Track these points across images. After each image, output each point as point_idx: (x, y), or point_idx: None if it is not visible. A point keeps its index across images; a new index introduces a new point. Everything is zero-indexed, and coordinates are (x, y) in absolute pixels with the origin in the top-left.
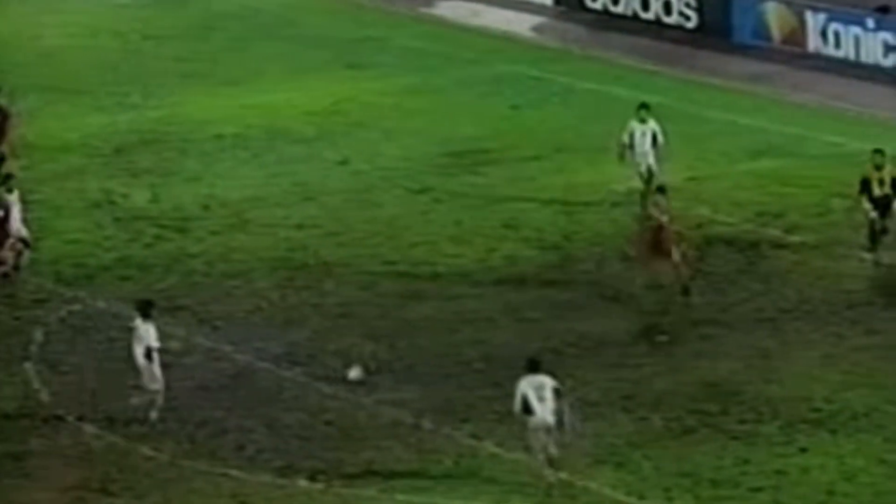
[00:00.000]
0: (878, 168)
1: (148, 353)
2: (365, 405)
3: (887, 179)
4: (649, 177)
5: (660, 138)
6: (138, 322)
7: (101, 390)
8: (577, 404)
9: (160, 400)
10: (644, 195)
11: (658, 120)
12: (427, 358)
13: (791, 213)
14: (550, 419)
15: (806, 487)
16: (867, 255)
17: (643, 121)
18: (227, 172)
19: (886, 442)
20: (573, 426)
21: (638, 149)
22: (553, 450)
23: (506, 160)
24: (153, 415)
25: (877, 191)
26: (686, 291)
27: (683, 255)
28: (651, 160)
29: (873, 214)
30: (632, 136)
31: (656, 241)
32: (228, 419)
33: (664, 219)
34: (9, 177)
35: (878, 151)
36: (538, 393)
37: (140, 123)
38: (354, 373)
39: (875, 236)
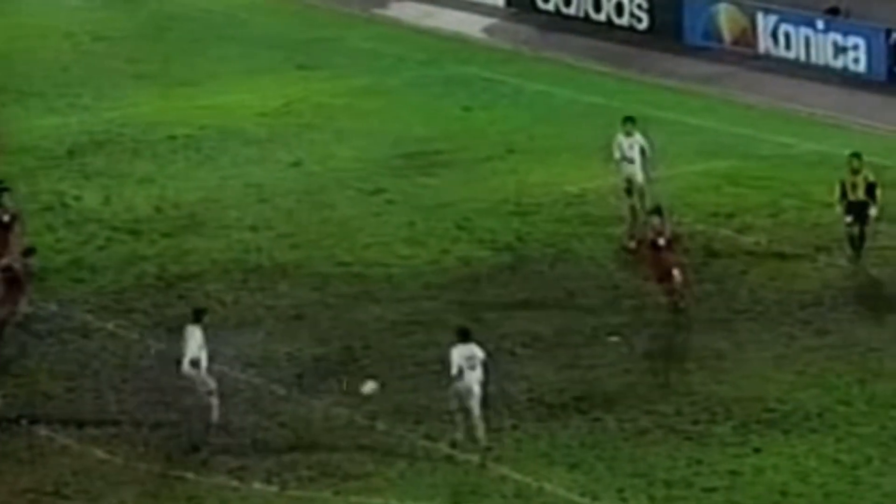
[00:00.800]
0: (855, 172)
1: (194, 362)
2: (319, 407)
3: (861, 184)
4: (640, 193)
5: (647, 151)
6: (189, 329)
7: (54, 393)
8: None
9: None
10: (634, 210)
11: (644, 133)
12: (381, 359)
13: (743, 213)
14: (476, 389)
15: (759, 487)
16: (847, 263)
17: (629, 134)
18: (179, 174)
19: (839, 442)
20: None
21: (625, 163)
22: (477, 421)
23: (458, 161)
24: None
25: (851, 196)
26: (677, 310)
27: (684, 279)
28: (640, 174)
29: (848, 219)
30: (620, 149)
31: (655, 261)
32: (183, 421)
33: (661, 241)
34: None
35: (855, 155)
36: (469, 363)
37: (92, 125)
38: (369, 387)
39: (853, 243)
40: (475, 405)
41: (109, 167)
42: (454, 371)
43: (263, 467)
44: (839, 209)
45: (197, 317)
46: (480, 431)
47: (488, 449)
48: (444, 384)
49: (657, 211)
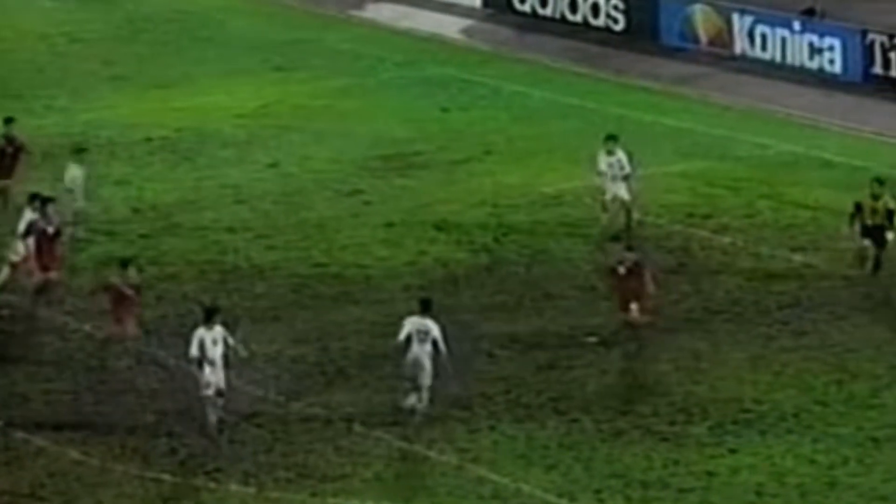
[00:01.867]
0: (875, 198)
1: (225, 358)
2: (296, 409)
3: (881, 210)
4: (627, 212)
5: (627, 169)
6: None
7: (31, 395)
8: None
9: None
10: (624, 229)
11: (626, 151)
12: (358, 361)
13: (719, 214)
14: (426, 363)
15: (736, 488)
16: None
17: (610, 153)
18: (156, 175)
19: (815, 442)
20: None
21: (607, 180)
22: (423, 394)
23: (436, 163)
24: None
25: (870, 220)
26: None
27: (644, 309)
28: (623, 192)
29: (865, 243)
30: (601, 167)
31: (616, 289)
32: (159, 423)
33: (621, 269)
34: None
35: (877, 181)
36: (420, 336)
37: (68, 127)
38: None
39: (865, 263)
40: (424, 379)
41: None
42: (400, 338)
43: (240, 469)
44: (846, 229)
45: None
46: (421, 406)
47: (418, 429)
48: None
49: (617, 238)
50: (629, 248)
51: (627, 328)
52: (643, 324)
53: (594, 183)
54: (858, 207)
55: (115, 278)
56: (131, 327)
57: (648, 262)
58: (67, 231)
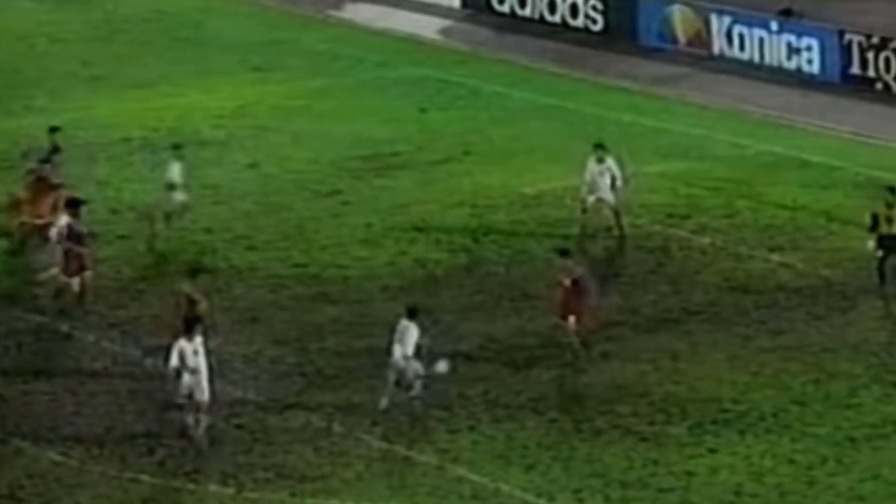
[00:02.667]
0: (890, 206)
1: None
2: (274, 409)
3: None
4: (616, 218)
5: (618, 179)
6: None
7: (9, 395)
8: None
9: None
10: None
11: (616, 159)
12: (337, 361)
13: (698, 214)
14: (399, 362)
15: (715, 488)
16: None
17: (600, 161)
18: (135, 176)
19: (794, 442)
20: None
21: (597, 190)
22: (387, 391)
23: (414, 163)
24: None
25: (885, 229)
26: (572, 351)
27: (580, 324)
28: (612, 200)
29: (879, 254)
30: (590, 176)
31: (559, 301)
32: (138, 424)
33: (566, 281)
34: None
35: (891, 189)
36: (399, 336)
37: (47, 127)
38: (441, 366)
39: (883, 276)
40: (390, 376)
41: (64, 170)
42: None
43: (219, 469)
44: (871, 243)
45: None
46: (382, 403)
47: (375, 423)
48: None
49: (565, 253)
50: (563, 255)
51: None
52: (574, 337)
53: (582, 193)
54: (875, 219)
55: (186, 287)
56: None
57: (591, 277)
58: (174, 223)
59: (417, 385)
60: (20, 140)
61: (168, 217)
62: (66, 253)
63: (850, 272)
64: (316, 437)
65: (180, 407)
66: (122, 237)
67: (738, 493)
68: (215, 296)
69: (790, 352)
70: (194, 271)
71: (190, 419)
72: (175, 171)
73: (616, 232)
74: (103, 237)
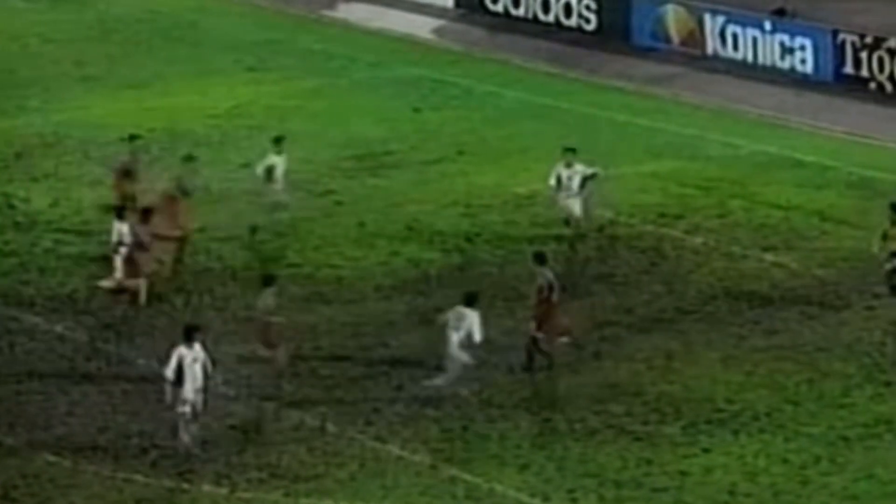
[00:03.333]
0: (894, 223)
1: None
2: (268, 409)
3: None
4: (577, 224)
5: (589, 183)
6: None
7: (2, 395)
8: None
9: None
10: (572, 241)
11: (587, 163)
12: (330, 361)
13: (691, 214)
14: (453, 347)
15: (709, 487)
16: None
17: (569, 165)
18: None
19: (787, 441)
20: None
21: (564, 193)
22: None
23: (408, 163)
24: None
25: (894, 245)
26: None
27: (551, 330)
28: (576, 208)
29: (888, 266)
30: (559, 179)
31: (536, 309)
32: (131, 423)
33: (543, 291)
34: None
35: (893, 207)
36: (455, 323)
37: (41, 127)
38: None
39: (893, 289)
40: (449, 356)
41: (58, 169)
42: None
43: (213, 469)
44: (882, 256)
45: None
46: (440, 381)
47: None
48: (394, 385)
49: (541, 259)
50: (539, 261)
51: (603, 322)
52: (549, 345)
53: (553, 195)
54: (884, 236)
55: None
56: (282, 354)
57: (559, 289)
58: (275, 217)
59: (456, 372)
60: (13, 140)
61: (273, 209)
62: (128, 258)
63: (844, 272)
64: (310, 436)
65: (177, 418)
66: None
67: (732, 493)
68: (208, 296)
69: (784, 351)
70: (268, 279)
71: (183, 426)
72: (271, 166)
73: (572, 230)
74: (97, 237)
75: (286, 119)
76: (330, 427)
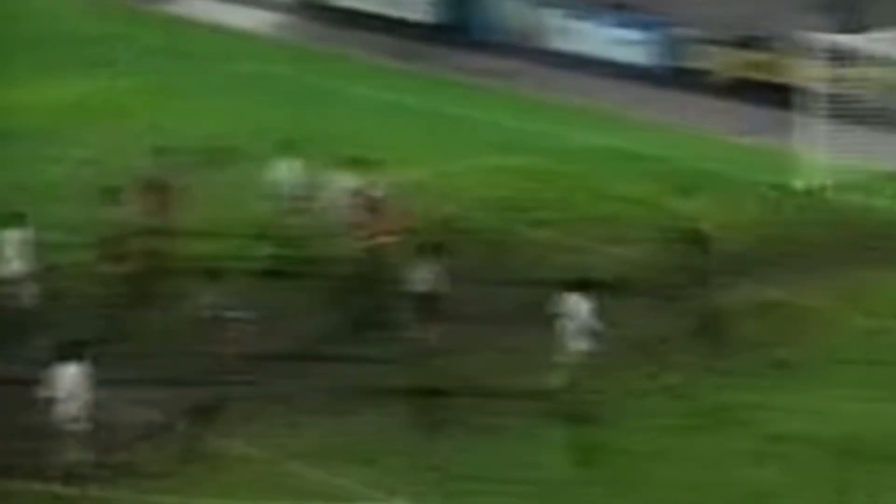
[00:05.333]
0: None
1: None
2: (117, 406)
3: None
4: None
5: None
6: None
7: None
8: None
9: None
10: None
11: (304, 165)
12: (177, 358)
13: (536, 208)
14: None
15: (552, 479)
16: None
17: (288, 165)
18: None
19: (629, 433)
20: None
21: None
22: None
23: (249, 158)
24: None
25: None
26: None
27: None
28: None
29: None
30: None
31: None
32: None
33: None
34: None
35: None
36: (570, 312)
37: None
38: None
39: None
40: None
41: None
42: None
43: (63, 468)
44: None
45: (582, 286)
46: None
47: None
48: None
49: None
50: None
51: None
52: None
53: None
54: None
55: None
56: None
57: None
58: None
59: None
60: None
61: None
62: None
63: (687, 262)
64: (157, 434)
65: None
66: None
67: (572, 483)
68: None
69: (626, 343)
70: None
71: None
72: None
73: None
74: None
75: (127, 115)
76: (177, 424)
